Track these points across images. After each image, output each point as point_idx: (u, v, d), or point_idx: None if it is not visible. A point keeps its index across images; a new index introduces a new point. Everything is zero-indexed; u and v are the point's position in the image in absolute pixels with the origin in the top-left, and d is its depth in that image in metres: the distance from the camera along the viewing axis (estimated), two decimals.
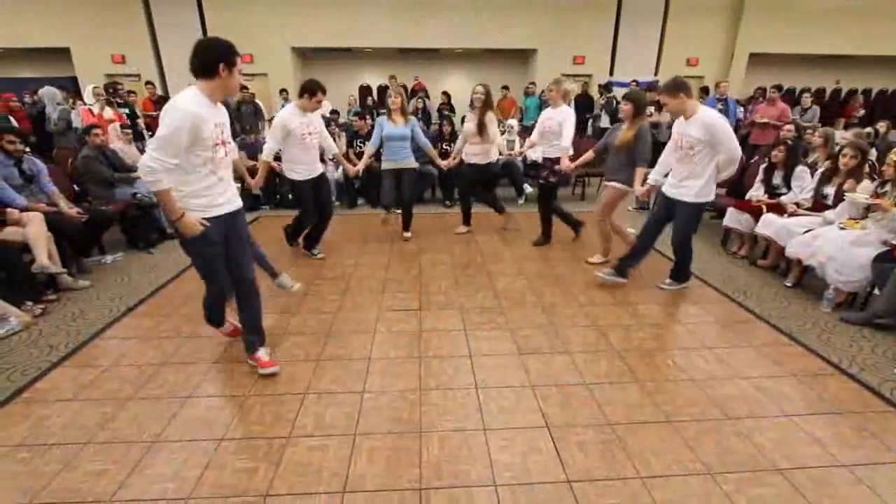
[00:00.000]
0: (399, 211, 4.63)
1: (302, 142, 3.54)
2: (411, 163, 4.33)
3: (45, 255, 3.12)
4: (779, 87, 6.69)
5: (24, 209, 3.29)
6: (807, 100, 7.40)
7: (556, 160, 4.06)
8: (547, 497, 1.68)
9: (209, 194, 2.09)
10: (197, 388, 2.29)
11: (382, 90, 10.77)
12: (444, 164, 4.64)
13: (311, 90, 3.48)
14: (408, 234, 4.62)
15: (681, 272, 3.45)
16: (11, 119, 6.01)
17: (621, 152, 3.58)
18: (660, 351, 2.65)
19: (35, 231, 3.15)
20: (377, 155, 4.43)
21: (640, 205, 5.84)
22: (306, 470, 1.80)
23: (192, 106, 1.90)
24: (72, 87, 8.34)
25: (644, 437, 1.97)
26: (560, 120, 4.00)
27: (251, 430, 2.00)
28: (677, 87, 2.92)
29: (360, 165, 4.22)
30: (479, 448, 1.91)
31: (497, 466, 1.81)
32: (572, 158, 4.03)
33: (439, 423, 2.05)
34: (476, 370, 2.44)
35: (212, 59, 1.93)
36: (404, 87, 9.94)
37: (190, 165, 1.99)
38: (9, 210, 3.24)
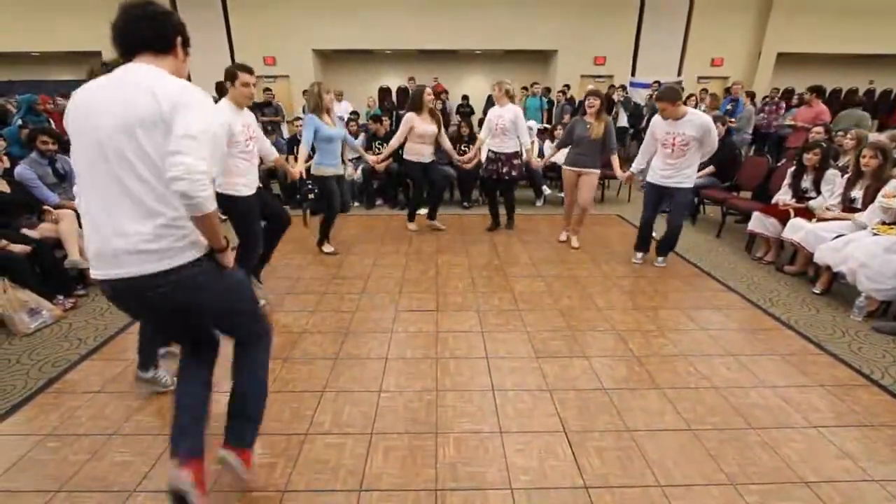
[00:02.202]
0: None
1: (246, 149, 2.82)
2: (342, 168, 4.13)
3: (76, 250, 3.23)
4: (816, 90, 6.43)
5: (57, 206, 3.43)
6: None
7: (512, 155, 4.43)
8: (563, 502, 1.66)
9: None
10: (219, 384, 2.33)
11: (401, 92, 10.84)
12: (373, 158, 4.59)
13: (230, 74, 2.76)
14: (330, 248, 4.19)
15: (670, 247, 3.95)
16: (52, 122, 6.25)
17: (594, 143, 4.06)
18: (681, 357, 2.59)
19: (67, 227, 3.26)
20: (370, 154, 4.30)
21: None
22: (324, 467, 1.82)
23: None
24: None
25: (664, 444, 1.94)
26: (511, 118, 4.29)
27: (270, 426, 2.03)
28: (677, 95, 3.50)
29: (299, 167, 3.72)
30: (495, 451, 1.90)
31: (513, 470, 1.80)
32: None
33: (455, 425, 2.05)
34: (493, 372, 2.43)
35: (170, 28, 1.41)
36: (423, 87, 9.96)
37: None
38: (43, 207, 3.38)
